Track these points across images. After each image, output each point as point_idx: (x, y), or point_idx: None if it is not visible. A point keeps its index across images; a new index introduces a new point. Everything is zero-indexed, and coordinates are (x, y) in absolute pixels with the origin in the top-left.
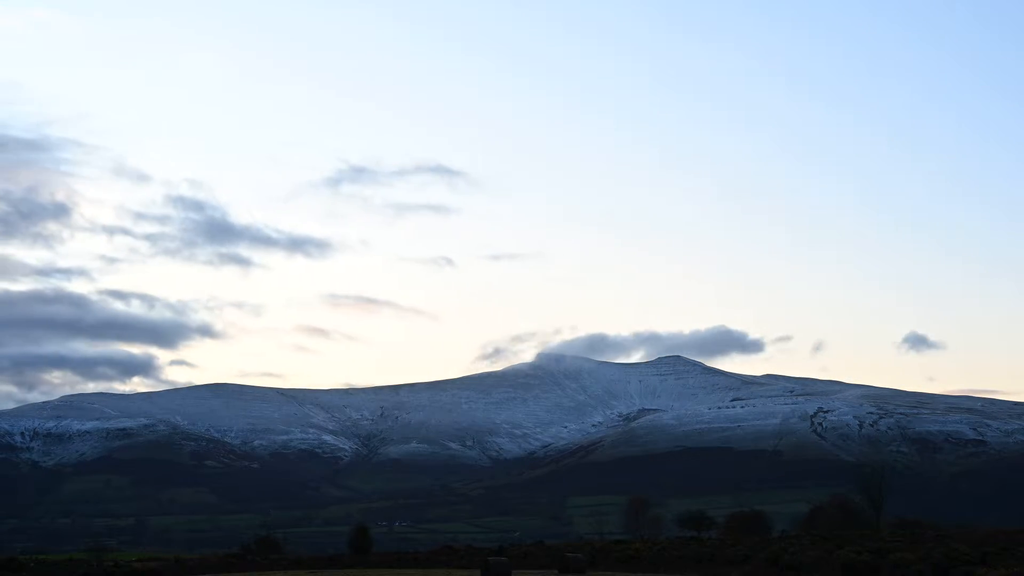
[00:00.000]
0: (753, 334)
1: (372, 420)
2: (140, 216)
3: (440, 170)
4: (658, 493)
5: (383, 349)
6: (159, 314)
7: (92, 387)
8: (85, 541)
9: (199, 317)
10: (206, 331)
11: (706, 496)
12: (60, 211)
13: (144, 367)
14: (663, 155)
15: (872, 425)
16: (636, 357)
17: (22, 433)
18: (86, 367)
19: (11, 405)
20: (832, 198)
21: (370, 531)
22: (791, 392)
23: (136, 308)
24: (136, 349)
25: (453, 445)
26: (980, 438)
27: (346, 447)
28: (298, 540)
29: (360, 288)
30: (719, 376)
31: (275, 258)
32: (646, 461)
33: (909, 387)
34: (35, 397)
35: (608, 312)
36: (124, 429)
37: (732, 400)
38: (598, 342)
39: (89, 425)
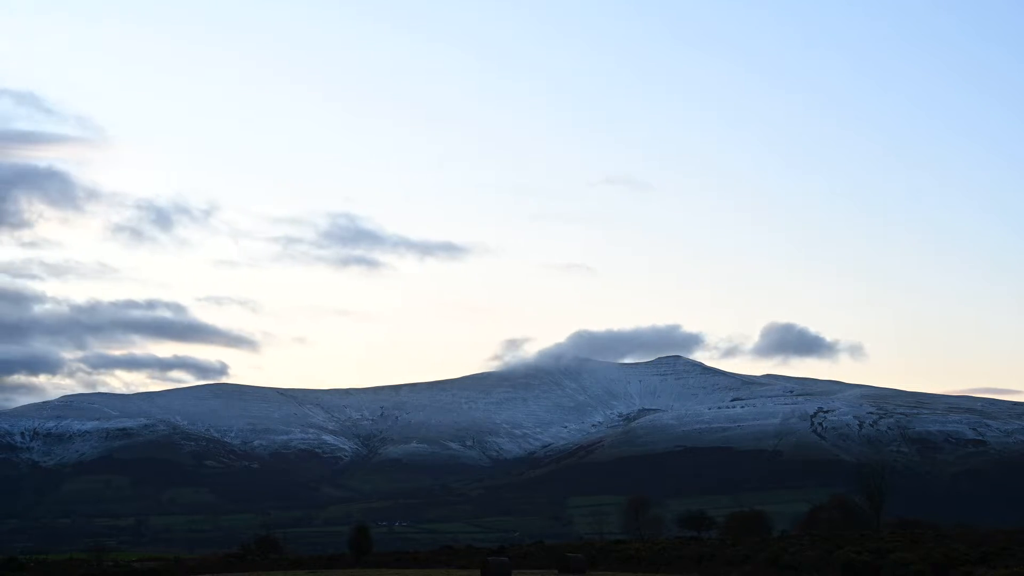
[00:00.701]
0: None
1: (372, 420)
2: (278, 221)
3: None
4: (658, 493)
5: (383, 349)
6: (257, 319)
7: (156, 387)
8: (85, 541)
9: (297, 323)
10: (299, 337)
11: (706, 496)
12: (199, 217)
13: (216, 372)
14: (665, 157)
15: (872, 425)
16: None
17: (22, 433)
18: (159, 369)
19: (11, 405)
20: (834, 199)
21: (370, 531)
22: (791, 392)
23: (236, 313)
24: (214, 354)
25: (453, 445)
26: (980, 438)
27: (346, 447)
28: (298, 540)
29: (470, 293)
30: (719, 376)
31: (406, 263)
32: (646, 461)
33: (909, 387)
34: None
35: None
36: (124, 429)
37: (732, 400)
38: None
39: (89, 425)
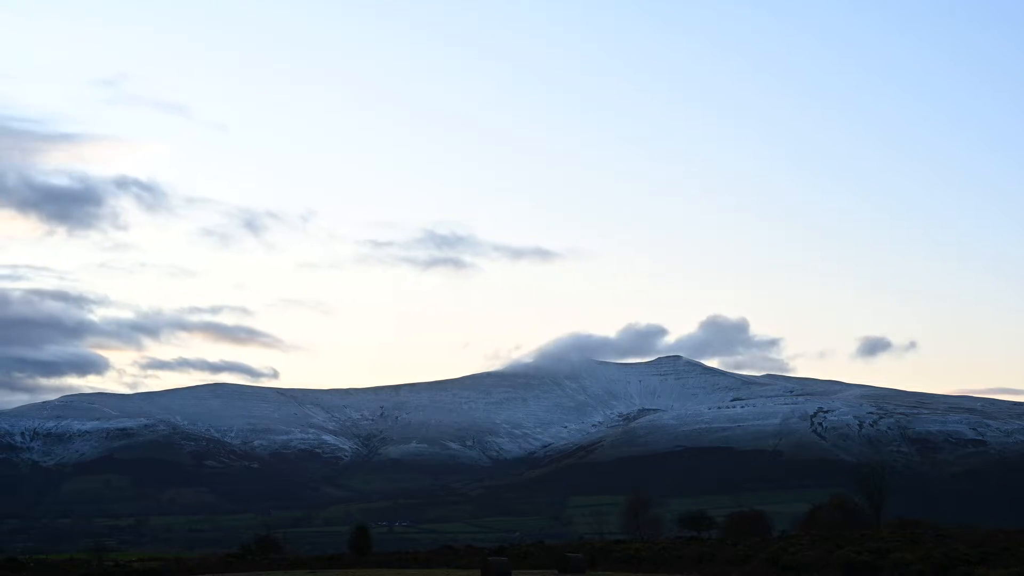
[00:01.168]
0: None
1: (372, 420)
2: (372, 226)
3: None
4: (658, 493)
5: (383, 349)
6: (324, 323)
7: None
8: (85, 541)
9: (361, 325)
10: (362, 340)
11: (706, 496)
12: (296, 223)
13: (266, 376)
14: (679, 156)
15: (872, 425)
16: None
17: (22, 433)
18: (210, 372)
19: (11, 405)
20: (833, 200)
21: (370, 531)
22: (791, 392)
23: (304, 317)
24: (268, 359)
25: (453, 445)
26: (980, 438)
27: (346, 447)
28: (298, 540)
29: (533, 297)
30: (719, 376)
31: (496, 266)
32: (646, 461)
33: (909, 387)
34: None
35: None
36: (124, 429)
37: (732, 400)
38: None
39: (89, 425)
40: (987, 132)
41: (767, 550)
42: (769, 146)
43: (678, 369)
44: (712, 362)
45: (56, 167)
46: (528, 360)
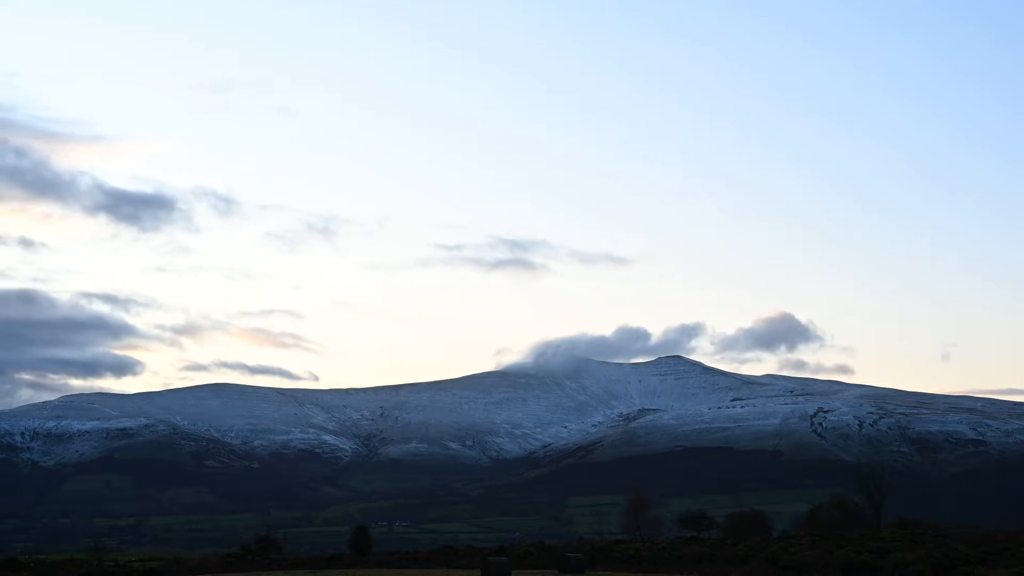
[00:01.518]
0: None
1: (372, 420)
2: (448, 227)
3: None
4: (658, 493)
5: (383, 349)
6: (377, 325)
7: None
8: (85, 541)
9: (408, 330)
10: (407, 342)
11: (706, 496)
12: (370, 229)
13: (305, 380)
14: (680, 155)
15: (872, 425)
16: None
17: (22, 433)
18: (248, 373)
19: (11, 405)
20: (830, 197)
21: (370, 531)
22: (791, 392)
23: (356, 320)
24: (309, 363)
25: (453, 445)
26: (980, 438)
27: (346, 447)
28: (298, 540)
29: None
30: (719, 376)
31: (565, 268)
32: (646, 461)
33: (909, 387)
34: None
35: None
36: (124, 429)
37: (732, 400)
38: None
39: (89, 425)
40: (976, 129)
41: (767, 550)
42: (803, 153)
43: (678, 369)
44: (770, 365)
45: (130, 172)
46: (528, 360)
